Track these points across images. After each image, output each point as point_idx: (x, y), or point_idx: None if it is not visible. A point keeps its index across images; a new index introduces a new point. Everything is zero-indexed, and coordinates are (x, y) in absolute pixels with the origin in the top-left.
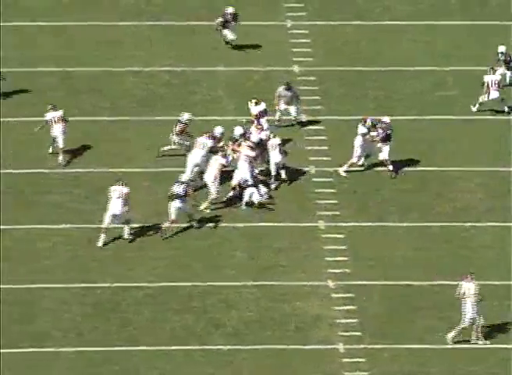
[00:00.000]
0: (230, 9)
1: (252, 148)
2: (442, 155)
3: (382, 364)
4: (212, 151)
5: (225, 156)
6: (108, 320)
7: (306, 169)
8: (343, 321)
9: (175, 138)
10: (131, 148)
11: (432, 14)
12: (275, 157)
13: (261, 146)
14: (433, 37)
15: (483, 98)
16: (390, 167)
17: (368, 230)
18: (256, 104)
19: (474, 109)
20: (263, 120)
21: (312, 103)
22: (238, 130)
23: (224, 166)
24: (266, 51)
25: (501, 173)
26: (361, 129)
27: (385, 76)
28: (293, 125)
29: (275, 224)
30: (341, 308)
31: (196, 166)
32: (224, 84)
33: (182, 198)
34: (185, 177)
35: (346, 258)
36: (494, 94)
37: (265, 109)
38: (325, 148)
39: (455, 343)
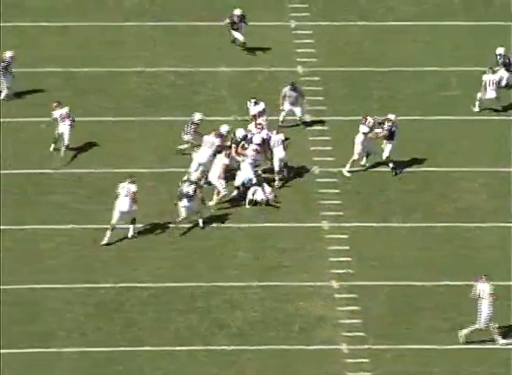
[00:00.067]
0: (237, 11)
1: (258, 152)
2: (445, 155)
3: (385, 364)
4: (217, 150)
5: (228, 156)
6: (112, 320)
7: (310, 169)
8: (347, 321)
9: (187, 138)
10: (135, 148)
11: (435, 15)
12: (279, 153)
13: (263, 145)
14: (437, 38)
15: (480, 97)
16: (391, 164)
17: (372, 230)
18: (255, 103)
19: (476, 109)
20: (261, 120)
21: (316, 103)
22: (240, 132)
23: (227, 166)
24: (270, 52)
25: (504, 173)
26: (363, 128)
27: (388, 77)
28: (298, 125)
29: (279, 224)
30: (344, 308)
31: (201, 164)
32: (228, 85)
33: (190, 197)
34: (194, 177)
35: (349, 259)
36: (491, 93)
37: (264, 109)
38: (329, 148)
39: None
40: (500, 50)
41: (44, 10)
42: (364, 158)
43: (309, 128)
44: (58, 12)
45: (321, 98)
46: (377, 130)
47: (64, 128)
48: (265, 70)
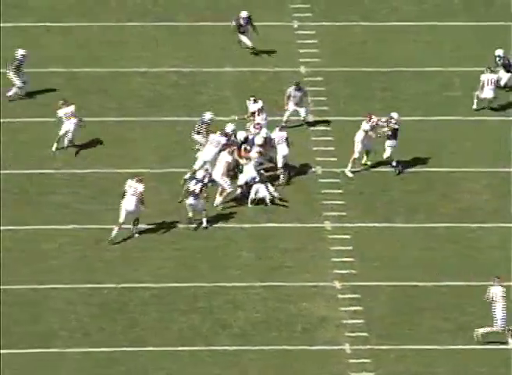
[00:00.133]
0: (244, 13)
1: (262, 154)
2: (448, 155)
3: (388, 365)
4: (221, 148)
5: (232, 154)
6: (115, 321)
7: (312, 169)
8: (350, 322)
9: (197, 138)
10: (137, 148)
11: (438, 15)
12: (282, 150)
13: (264, 144)
14: (440, 38)
15: (478, 95)
16: (393, 163)
17: (375, 230)
18: (254, 101)
19: (474, 107)
20: (260, 118)
21: (319, 104)
22: (241, 135)
23: (230, 164)
24: (273, 52)
25: (507, 173)
26: (365, 126)
27: (391, 77)
28: (302, 125)
29: (282, 225)
30: (347, 308)
31: (206, 162)
32: (231, 85)
33: (196, 195)
34: (200, 174)
35: (352, 259)
36: (489, 93)
37: (262, 107)
38: (332, 148)
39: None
40: (499, 51)
41: (47, 10)
42: (365, 157)
43: (312, 128)
44: (60, 13)
45: (324, 99)
46: (384, 129)
47: (69, 126)
48: (268, 71)
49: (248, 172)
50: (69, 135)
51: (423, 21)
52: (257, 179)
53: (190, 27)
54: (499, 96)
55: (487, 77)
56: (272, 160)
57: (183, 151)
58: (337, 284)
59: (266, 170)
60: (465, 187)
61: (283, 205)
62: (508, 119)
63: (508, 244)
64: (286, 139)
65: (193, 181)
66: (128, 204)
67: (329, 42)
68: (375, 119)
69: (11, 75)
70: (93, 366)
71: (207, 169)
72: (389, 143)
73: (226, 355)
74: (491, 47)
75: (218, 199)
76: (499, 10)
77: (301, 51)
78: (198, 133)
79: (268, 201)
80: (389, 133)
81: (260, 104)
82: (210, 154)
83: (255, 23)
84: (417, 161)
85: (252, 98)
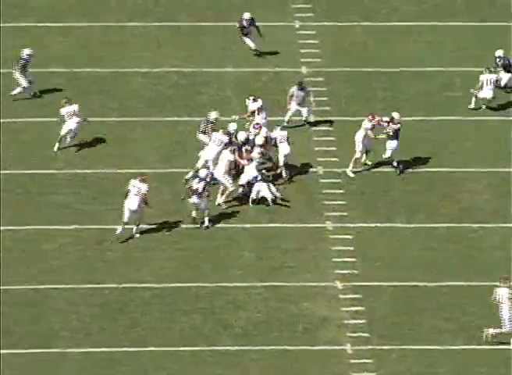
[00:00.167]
0: (246, 15)
1: (263, 154)
2: (449, 155)
3: (389, 365)
4: (223, 147)
5: (233, 152)
6: (116, 321)
7: (314, 169)
8: (351, 322)
9: (202, 137)
10: (139, 148)
11: (439, 15)
12: (284, 149)
13: (265, 144)
14: (441, 38)
15: (476, 95)
16: (394, 163)
17: (376, 230)
18: (254, 101)
19: (471, 106)
20: (260, 117)
21: (320, 104)
22: (242, 136)
23: (232, 162)
24: (274, 52)
25: (508, 173)
26: (366, 124)
27: (392, 77)
28: (303, 125)
29: (283, 225)
30: (349, 309)
31: (208, 161)
32: (232, 85)
33: (199, 194)
34: (203, 173)
35: (353, 259)
36: (488, 93)
37: (262, 105)
38: (333, 148)
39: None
40: (499, 52)
41: (48, 10)
42: (364, 156)
43: (313, 128)
44: (61, 13)
45: (325, 99)
46: (388, 129)
47: (72, 125)
48: (270, 71)
49: (250, 172)
50: (71, 134)
51: (424, 21)
52: (259, 178)
53: (191, 27)
54: (498, 96)
55: (486, 77)
56: (272, 159)
57: (184, 151)
58: (338, 284)
59: (267, 170)
60: (466, 187)
61: (285, 205)
62: (508, 119)
63: (509, 244)
64: (287, 138)
65: (196, 180)
66: (131, 203)
67: (330, 42)
68: (377, 118)
69: (17, 75)
70: (94, 366)
71: (208, 168)
72: (390, 143)
73: (228, 355)
74: (492, 47)
75: (220, 198)
76: (500, 10)
77: (302, 51)
78: (203, 132)
79: (270, 201)
80: (391, 133)
81: (259, 103)
82: (212, 153)
83: (258, 24)
84: (418, 161)
85: (251, 97)
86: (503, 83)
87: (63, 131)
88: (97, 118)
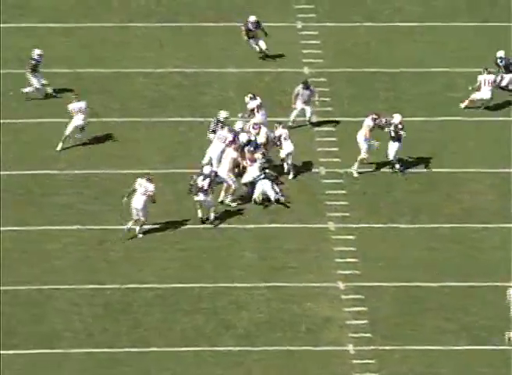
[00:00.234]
0: (252, 18)
1: (265, 155)
2: (451, 156)
3: (391, 365)
4: (227, 145)
5: (237, 150)
6: (118, 321)
7: (316, 170)
8: (353, 322)
9: (213, 137)
10: (141, 149)
11: (441, 15)
12: (288, 147)
13: (267, 143)
14: (444, 39)
15: (474, 97)
16: (397, 166)
17: (378, 231)
18: (251, 98)
19: (462, 106)
20: (259, 115)
21: (322, 104)
22: (243, 137)
23: (236, 160)
24: (277, 53)
25: (508, 174)
26: (368, 122)
27: (394, 78)
28: (305, 125)
29: (285, 225)
30: (351, 309)
31: (213, 158)
32: (235, 85)
33: (205, 191)
34: (207, 170)
35: (356, 260)
36: (486, 94)
37: (261, 103)
38: (335, 149)
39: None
40: (501, 53)
41: (50, 11)
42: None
43: (315, 129)
44: (63, 13)
45: (327, 99)
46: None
47: (77, 122)
48: (272, 71)
49: (253, 172)
50: (69, 130)
51: (426, 22)
52: (262, 176)
53: (194, 28)
54: (500, 97)
55: (484, 78)
56: (272, 161)
57: (187, 152)
58: (341, 285)
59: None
60: (469, 187)
61: (285, 205)
62: (511, 120)
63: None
64: (289, 136)
65: (201, 177)
66: (137, 202)
67: (333, 43)
68: (382, 119)
69: (28, 76)
70: (96, 366)
71: (212, 165)
72: (393, 145)
73: (230, 355)
74: (494, 47)
75: (225, 196)
76: (502, 11)
77: (305, 51)
78: (213, 132)
79: (273, 199)
80: (393, 134)
81: (258, 100)
82: (216, 150)
83: (264, 24)
84: (420, 161)
85: (250, 95)
86: (504, 83)
87: (68, 130)
88: (99, 118)
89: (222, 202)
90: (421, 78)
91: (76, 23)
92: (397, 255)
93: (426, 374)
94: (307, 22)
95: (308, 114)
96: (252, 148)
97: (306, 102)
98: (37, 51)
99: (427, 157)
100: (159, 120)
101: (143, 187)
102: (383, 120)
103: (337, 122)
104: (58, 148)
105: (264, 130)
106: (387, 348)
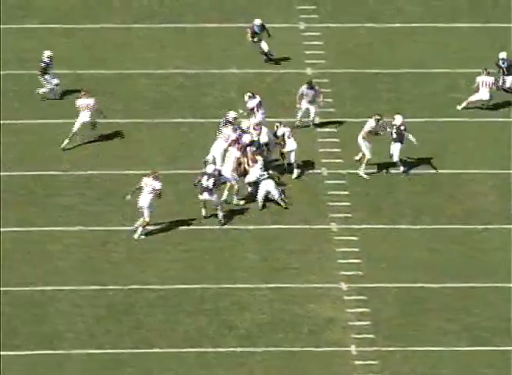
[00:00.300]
0: (257, 21)
1: (265, 155)
2: (453, 157)
3: (394, 366)
4: (230, 144)
5: (240, 149)
6: (121, 322)
7: (318, 171)
8: (356, 323)
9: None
10: (144, 149)
11: (443, 16)
12: (291, 145)
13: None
14: (446, 39)
15: (472, 98)
16: (401, 168)
17: (381, 232)
18: (250, 97)
19: (459, 107)
20: (259, 113)
21: (325, 105)
22: (246, 138)
23: (239, 159)
24: (279, 54)
25: (508, 175)
26: (371, 122)
27: (397, 78)
28: (309, 126)
29: (288, 226)
30: (354, 310)
31: (216, 157)
32: (236, 86)
33: (210, 190)
34: (210, 169)
35: (358, 261)
36: (485, 95)
37: (260, 102)
38: (338, 150)
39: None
40: (503, 54)
41: (52, 12)
42: (360, 154)
43: (318, 130)
44: (65, 14)
45: (329, 100)
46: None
47: (84, 118)
48: (274, 72)
49: (255, 172)
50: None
51: (428, 22)
52: (265, 176)
53: (196, 29)
54: (496, 97)
55: (482, 79)
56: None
57: (189, 152)
58: (343, 286)
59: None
60: (471, 188)
61: (285, 207)
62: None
63: None
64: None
65: (205, 177)
66: (143, 201)
67: (335, 44)
68: (385, 120)
69: (40, 78)
70: (98, 367)
71: (215, 163)
72: (395, 146)
73: (232, 356)
74: (496, 48)
75: (229, 196)
76: (504, 12)
77: (307, 52)
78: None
79: (277, 198)
80: (395, 136)
81: (258, 99)
82: (219, 148)
83: (266, 25)
84: (422, 162)
85: (248, 94)
86: (508, 85)
87: (75, 127)
88: (101, 119)
89: (226, 202)
90: (422, 79)
91: (78, 24)
92: (400, 256)
93: None
94: (310, 23)
95: (312, 114)
96: (254, 149)
97: (311, 102)
98: (47, 53)
99: (429, 158)
100: (161, 121)
101: (149, 186)
102: (384, 123)
103: (339, 123)
104: (63, 145)
105: (265, 130)
106: (389, 348)
